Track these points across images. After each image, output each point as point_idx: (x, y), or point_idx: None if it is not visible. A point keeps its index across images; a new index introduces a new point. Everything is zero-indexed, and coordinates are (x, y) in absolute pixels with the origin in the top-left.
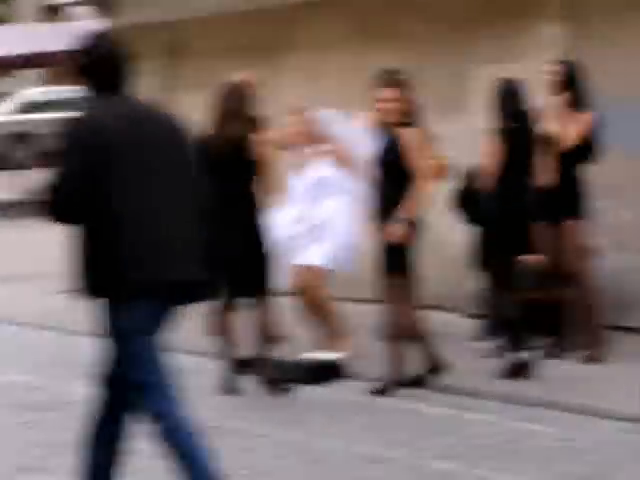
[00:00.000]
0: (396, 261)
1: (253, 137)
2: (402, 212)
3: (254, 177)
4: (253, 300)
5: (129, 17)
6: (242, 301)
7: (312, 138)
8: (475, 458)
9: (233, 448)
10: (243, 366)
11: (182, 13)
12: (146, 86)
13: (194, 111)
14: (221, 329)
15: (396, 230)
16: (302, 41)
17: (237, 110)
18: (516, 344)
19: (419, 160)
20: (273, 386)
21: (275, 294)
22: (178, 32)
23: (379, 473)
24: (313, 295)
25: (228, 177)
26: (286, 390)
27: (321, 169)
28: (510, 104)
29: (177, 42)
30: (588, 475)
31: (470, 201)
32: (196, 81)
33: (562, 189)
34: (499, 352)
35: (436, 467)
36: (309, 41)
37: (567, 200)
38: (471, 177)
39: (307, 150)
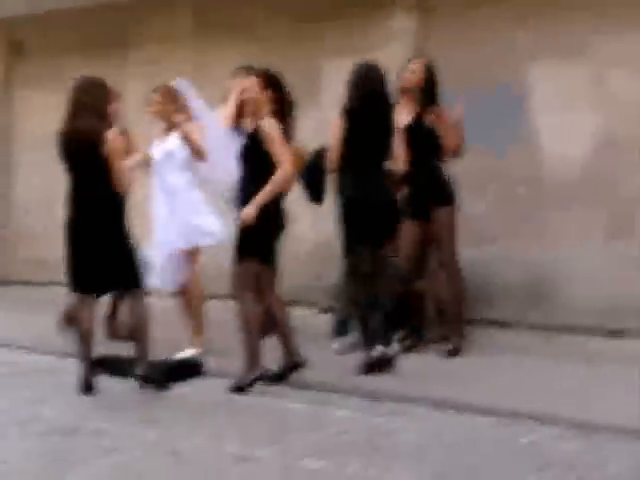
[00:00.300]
0: (246, 246)
1: (106, 132)
2: (258, 197)
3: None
4: (119, 295)
5: None
6: (104, 297)
7: (170, 111)
8: (344, 456)
9: (98, 449)
10: (100, 365)
11: (20, 10)
12: None
13: (38, 109)
14: (79, 325)
15: (248, 213)
16: (145, 37)
17: (90, 104)
18: (374, 338)
19: (281, 149)
20: (147, 383)
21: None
22: (18, 30)
23: (250, 472)
24: (189, 290)
25: (84, 172)
26: (163, 387)
27: (170, 142)
28: (359, 86)
29: (18, 40)
30: (463, 471)
31: (315, 180)
32: (39, 79)
33: (427, 178)
34: (355, 347)
35: (306, 465)
36: (152, 36)
37: (435, 189)
38: (317, 156)
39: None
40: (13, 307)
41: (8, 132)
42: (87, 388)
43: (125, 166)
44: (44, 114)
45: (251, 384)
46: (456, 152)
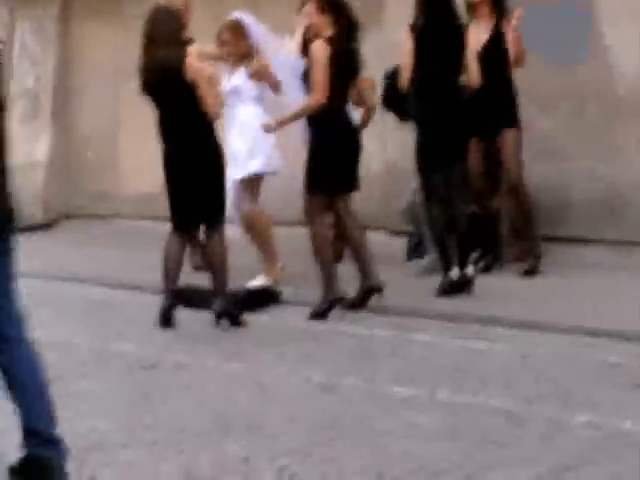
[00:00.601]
0: (316, 177)
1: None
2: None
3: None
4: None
5: None
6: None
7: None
8: (431, 381)
9: (180, 384)
10: (178, 297)
11: None
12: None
13: (96, 42)
14: (165, 259)
15: (267, 124)
16: None
17: (165, 32)
18: (451, 260)
19: (318, 75)
20: (230, 317)
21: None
22: None
23: (339, 402)
24: (254, 219)
25: (171, 104)
26: (237, 323)
27: (237, 77)
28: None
29: None
30: (555, 394)
31: (395, 101)
32: (97, 12)
33: (496, 95)
34: (432, 270)
35: (395, 393)
36: None
37: (502, 110)
38: (391, 77)
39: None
40: (77, 240)
41: (67, 65)
42: (166, 321)
43: (212, 89)
44: (103, 47)
45: (329, 309)
46: (518, 60)
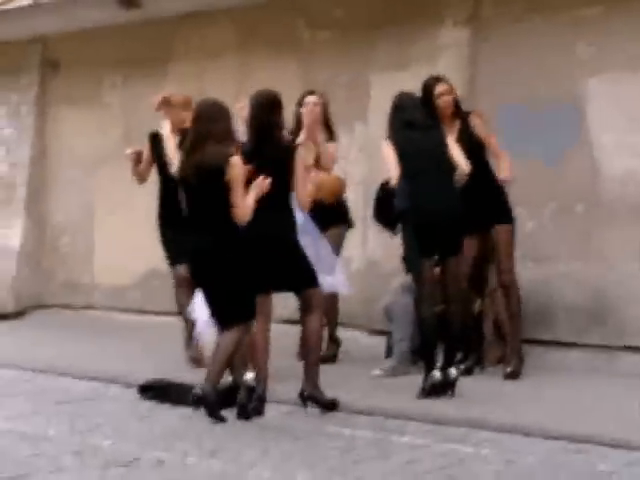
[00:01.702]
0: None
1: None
2: None
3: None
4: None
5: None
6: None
7: None
8: None
9: None
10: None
11: (57, 27)
12: (24, 99)
13: (74, 128)
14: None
15: None
16: (185, 51)
17: (215, 130)
18: (434, 361)
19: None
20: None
21: None
22: (53, 47)
23: None
24: None
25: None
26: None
27: None
28: (397, 116)
29: (53, 58)
30: None
31: (386, 214)
32: (75, 97)
33: (486, 190)
34: (396, 371)
35: None
36: (193, 51)
37: (495, 204)
38: (381, 191)
39: None
40: (49, 330)
41: (43, 152)
42: (243, 413)
43: (244, 195)
44: (79, 134)
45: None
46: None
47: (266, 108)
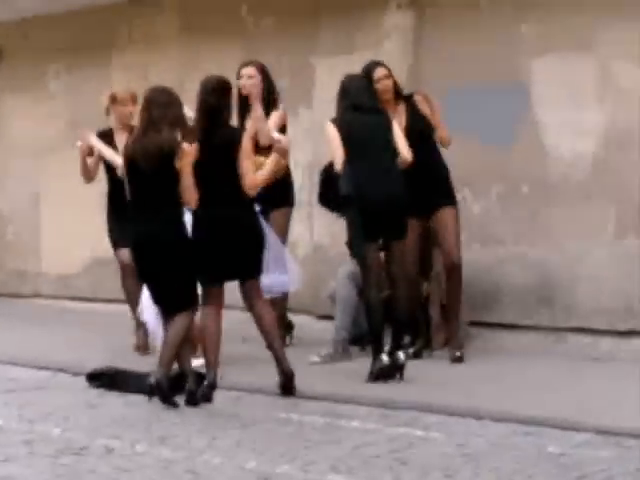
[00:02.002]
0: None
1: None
2: None
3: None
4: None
5: None
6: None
7: None
8: (371, 470)
9: (108, 470)
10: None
11: (3, 15)
12: None
13: (20, 116)
14: None
15: None
16: (129, 39)
17: (163, 115)
18: (382, 345)
19: None
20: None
21: None
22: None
23: None
24: None
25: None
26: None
27: None
28: (344, 99)
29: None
30: None
31: (330, 197)
32: (21, 85)
33: (428, 173)
34: (333, 358)
35: None
36: (137, 38)
37: (438, 187)
38: (324, 172)
39: None
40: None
41: None
42: (191, 400)
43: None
44: (25, 122)
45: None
46: (443, 140)
47: (216, 92)
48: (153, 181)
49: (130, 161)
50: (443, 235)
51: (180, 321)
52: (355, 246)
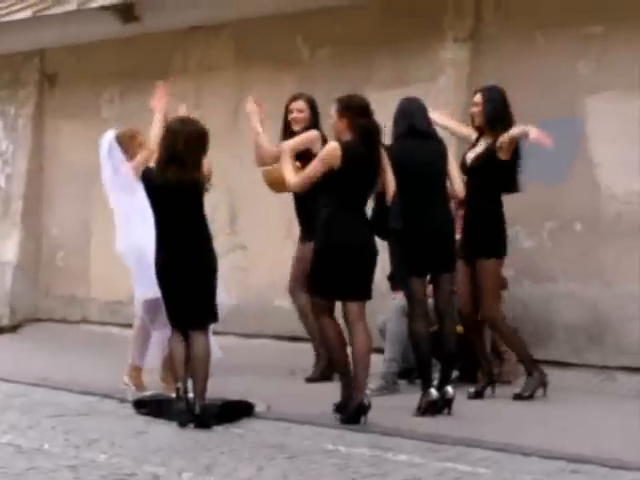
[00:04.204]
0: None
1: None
2: None
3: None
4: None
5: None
6: None
7: None
8: None
9: None
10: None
11: (56, 40)
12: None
13: (71, 142)
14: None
15: None
16: (185, 67)
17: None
18: (430, 379)
19: None
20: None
21: None
22: (52, 61)
23: None
24: None
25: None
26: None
27: None
28: (399, 122)
29: (51, 72)
30: None
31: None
32: (73, 112)
33: (480, 223)
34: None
35: None
36: (192, 67)
37: (484, 237)
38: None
39: None
40: (45, 344)
41: (40, 165)
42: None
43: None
44: (76, 148)
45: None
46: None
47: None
48: (182, 207)
49: (163, 187)
50: (480, 286)
51: (201, 343)
52: (399, 279)
